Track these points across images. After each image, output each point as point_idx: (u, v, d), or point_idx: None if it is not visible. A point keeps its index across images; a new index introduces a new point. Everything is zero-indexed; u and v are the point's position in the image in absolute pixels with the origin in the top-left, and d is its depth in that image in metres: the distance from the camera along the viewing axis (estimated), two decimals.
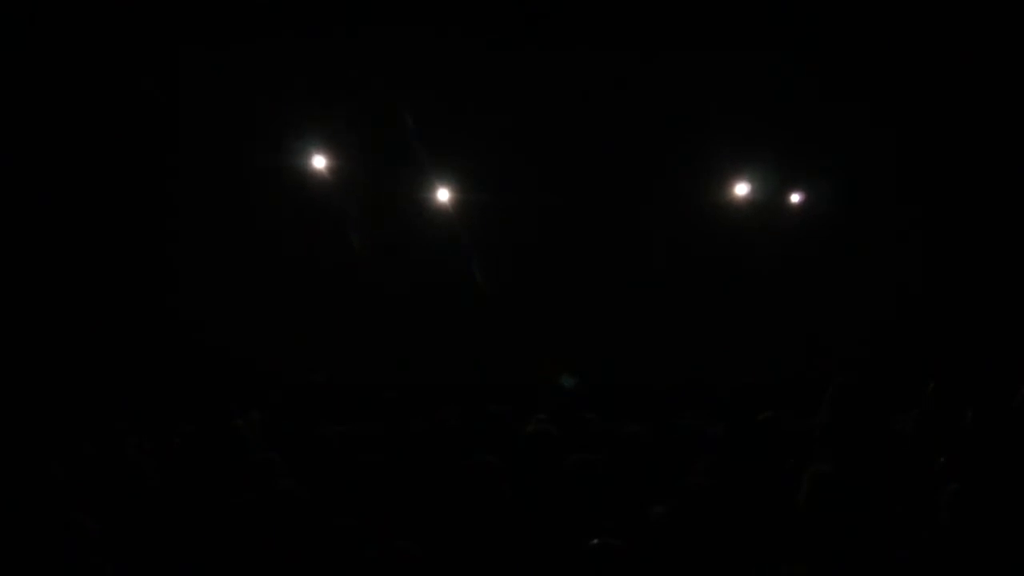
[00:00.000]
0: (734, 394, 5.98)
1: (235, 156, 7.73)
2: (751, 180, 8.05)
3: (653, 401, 5.85)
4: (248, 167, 7.78)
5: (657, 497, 4.07)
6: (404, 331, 7.95)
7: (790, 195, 8.07)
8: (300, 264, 8.03)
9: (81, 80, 7.57)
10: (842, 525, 3.75)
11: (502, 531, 3.90)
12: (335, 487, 4.31)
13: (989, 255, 7.73)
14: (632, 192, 7.96)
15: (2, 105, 7.46)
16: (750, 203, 8.07)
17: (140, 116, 7.75)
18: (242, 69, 7.63)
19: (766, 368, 7.50)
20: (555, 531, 3.87)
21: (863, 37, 7.51)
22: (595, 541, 3.47)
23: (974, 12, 7.30)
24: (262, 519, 3.82)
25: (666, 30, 7.64)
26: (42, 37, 7.42)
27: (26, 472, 4.18)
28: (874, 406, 4.88)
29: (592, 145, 7.90)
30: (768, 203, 8.06)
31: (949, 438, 4.62)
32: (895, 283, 7.86)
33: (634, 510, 4.01)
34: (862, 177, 7.82)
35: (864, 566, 3.67)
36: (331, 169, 7.95)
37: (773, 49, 7.58)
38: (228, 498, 3.98)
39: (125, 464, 4.35)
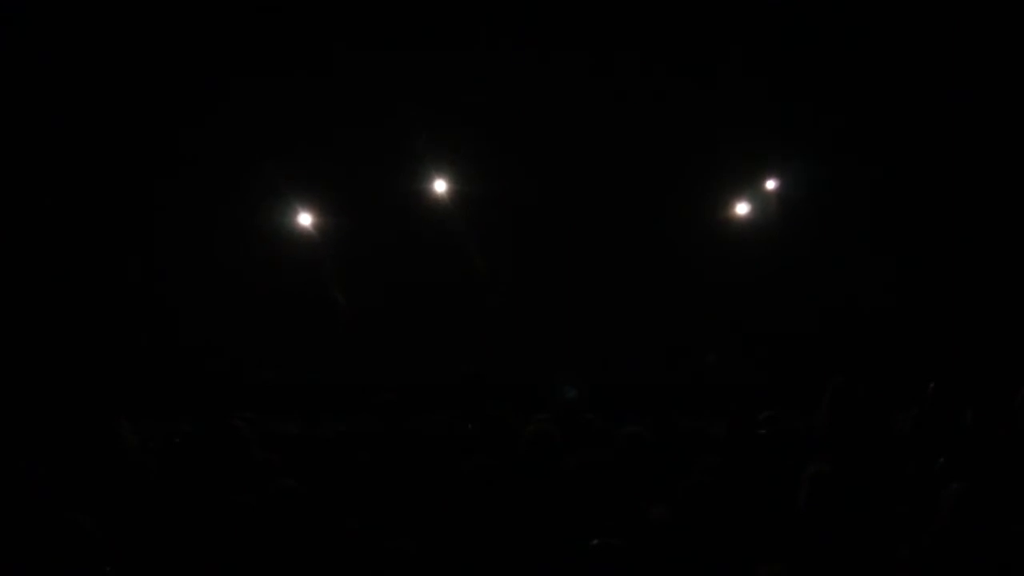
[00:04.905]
0: (734, 394, 5.98)
1: (235, 158, 7.74)
2: (749, 181, 8.05)
3: (653, 401, 5.84)
4: (247, 170, 7.78)
5: (657, 497, 4.08)
6: (403, 331, 7.95)
7: (787, 196, 8.06)
8: (300, 264, 8.03)
9: (81, 81, 7.60)
10: (842, 525, 3.75)
11: (502, 531, 3.90)
12: (335, 487, 4.31)
13: (989, 255, 7.73)
14: (633, 193, 7.96)
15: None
16: (748, 205, 8.06)
17: (141, 117, 7.76)
18: (242, 69, 7.64)
19: (766, 368, 7.50)
20: (555, 531, 3.87)
21: (859, 43, 7.57)
22: (595, 541, 3.47)
23: (967, 14, 7.35)
24: (262, 519, 3.82)
25: (665, 30, 7.66)
26: (42, 38, 7.47)
27: (26, 472, 4.18)
28: (874, 406, 4.89)
29: (591, 146, 7.90)
30: (767, 204, 8.06)
31: (949, 438, 4.63)
32: (895, 283, 7.86)
33: (634, 510, 4.01)
34: (861, 177, 7.82)
35: (864, 566, 3.67)
36: (330, 169, 7.94)
37: (770, 49, 7.62)
38: (228, 498, 3.98)
39: (125, 464, 4.35)
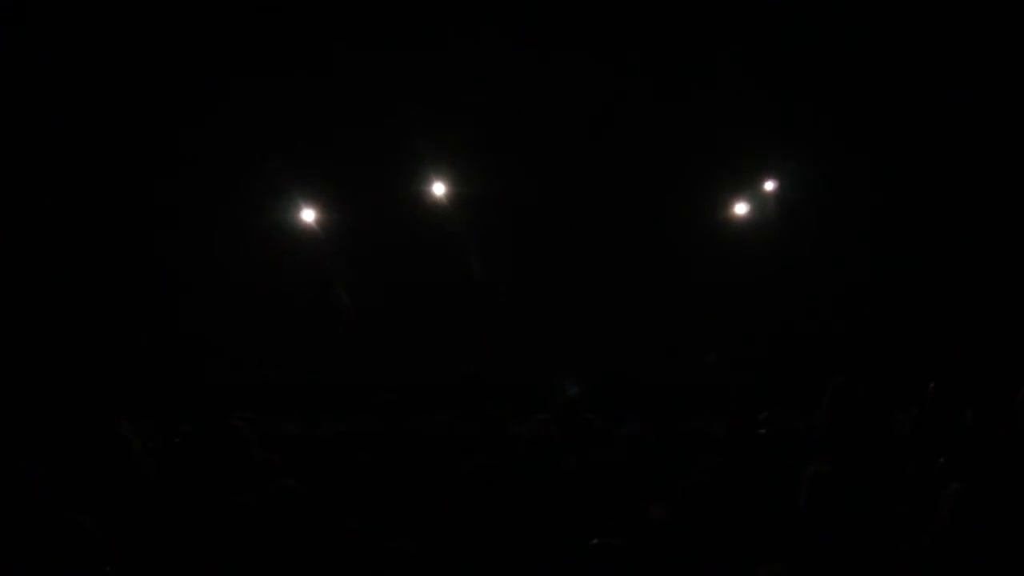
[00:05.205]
0: (734, 394, 5.98)
1: (235, 158, 7.74)
2: (749, 181, 8.05)
3: (653, 401, 5.85)
4: (247, 170, 7.79)
5: (657, 497, 4.08)
6: (404, 331, 7.95)
7: (787, 196, 8.06)
8: (300, 264, 8.03)
9: (81, 81, 7.61)
10: (842, 525, 3.75)
11: (502, 531, 3.90)
12: (335, 487, 4.32)
13: (989, 255, 7.73)
14: (633, 193, 7.96)
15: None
16: (748, 205, 8.06)
17: (141, 117, 7.76)
18: (242, 69, 7.65)
19: (765, 368, 7.50)
20: (555, 531, 3.87)
21: (859, 43, 7.58)
22: (595, 541, 3.47)
23: (967, 14, 7.36)
24: (262, 519, 3.82)
25: (666, 30, 7.67)
26: (42, 38, 7.49)
27: (26, 472, 4.18)
28: (874, 406, 4.89)
29: (591, 146, 7.90)
30: (766, 204, 8.06)
31: (949, 438, 4.63)
32: (895, 283, 7.86)
33: (634, 510, 4.02)
34: (861, 178, 7.82)
35: (864, 566, 3.67)
36: (330, 170, 7.95)
37: (770, 49, 7.63)
38: (228, 498, 3.98)
39: (125, 464, 4.36)
